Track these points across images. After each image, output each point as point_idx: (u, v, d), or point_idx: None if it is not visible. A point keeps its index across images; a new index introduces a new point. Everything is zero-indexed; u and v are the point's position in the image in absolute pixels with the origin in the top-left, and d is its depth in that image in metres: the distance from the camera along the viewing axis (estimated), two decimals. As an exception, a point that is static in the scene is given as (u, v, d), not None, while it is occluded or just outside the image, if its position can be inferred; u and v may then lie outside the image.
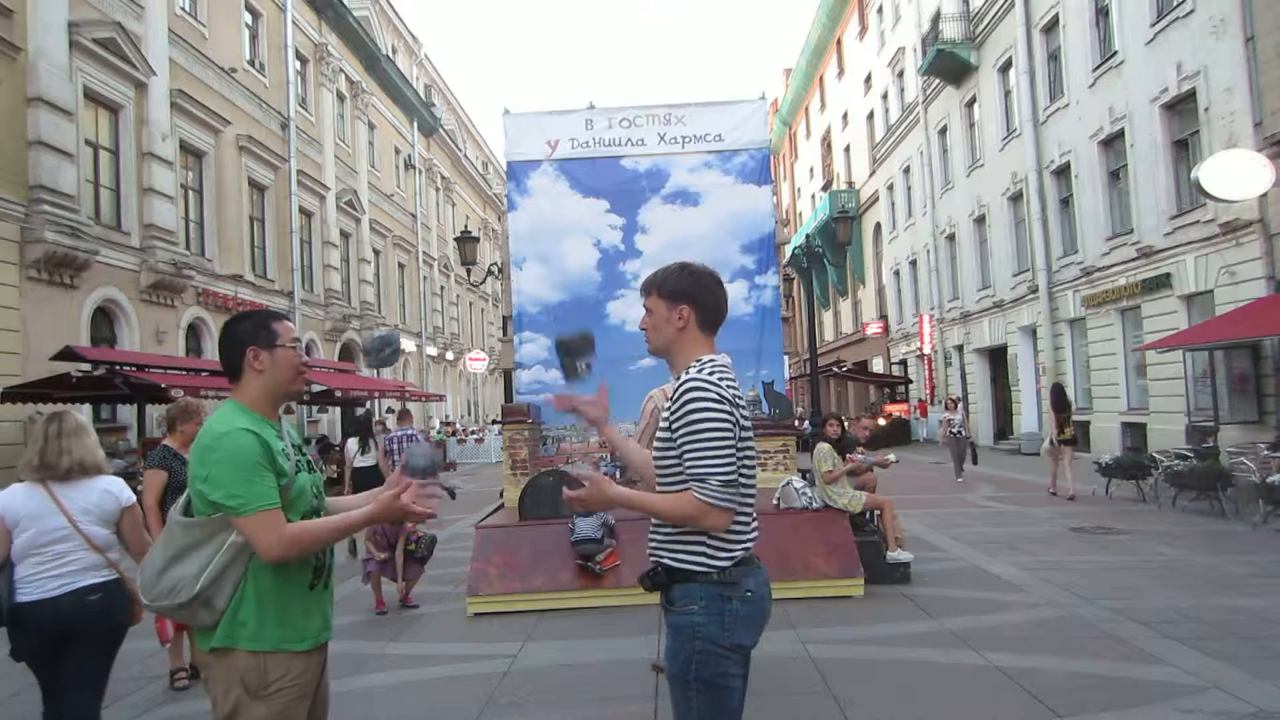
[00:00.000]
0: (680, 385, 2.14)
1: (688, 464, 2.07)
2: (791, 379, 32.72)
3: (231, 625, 2.09)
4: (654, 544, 2.19)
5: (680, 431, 2.09)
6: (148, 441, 13.13)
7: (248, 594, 2.11)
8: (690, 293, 2.24)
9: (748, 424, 2.18)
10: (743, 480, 2.11)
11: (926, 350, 26.02)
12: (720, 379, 2.13)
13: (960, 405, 16.05)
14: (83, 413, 14.29)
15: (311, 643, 2.21)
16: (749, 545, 2.17)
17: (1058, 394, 12.30)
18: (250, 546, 2.07)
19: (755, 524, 2.20)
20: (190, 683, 4.83)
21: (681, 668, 2.10)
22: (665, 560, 2.16)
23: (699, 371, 2.16)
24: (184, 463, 4.85)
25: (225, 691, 2.10)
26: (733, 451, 2.08)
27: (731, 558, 2.11)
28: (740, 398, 2.18)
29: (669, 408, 2.15)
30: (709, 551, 2.10)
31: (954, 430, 14.69)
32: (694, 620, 2.09)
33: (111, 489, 3.25)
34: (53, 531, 3.08)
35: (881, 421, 24.59)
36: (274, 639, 2.12)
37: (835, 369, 30.79)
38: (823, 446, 7.14)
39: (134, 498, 3.40)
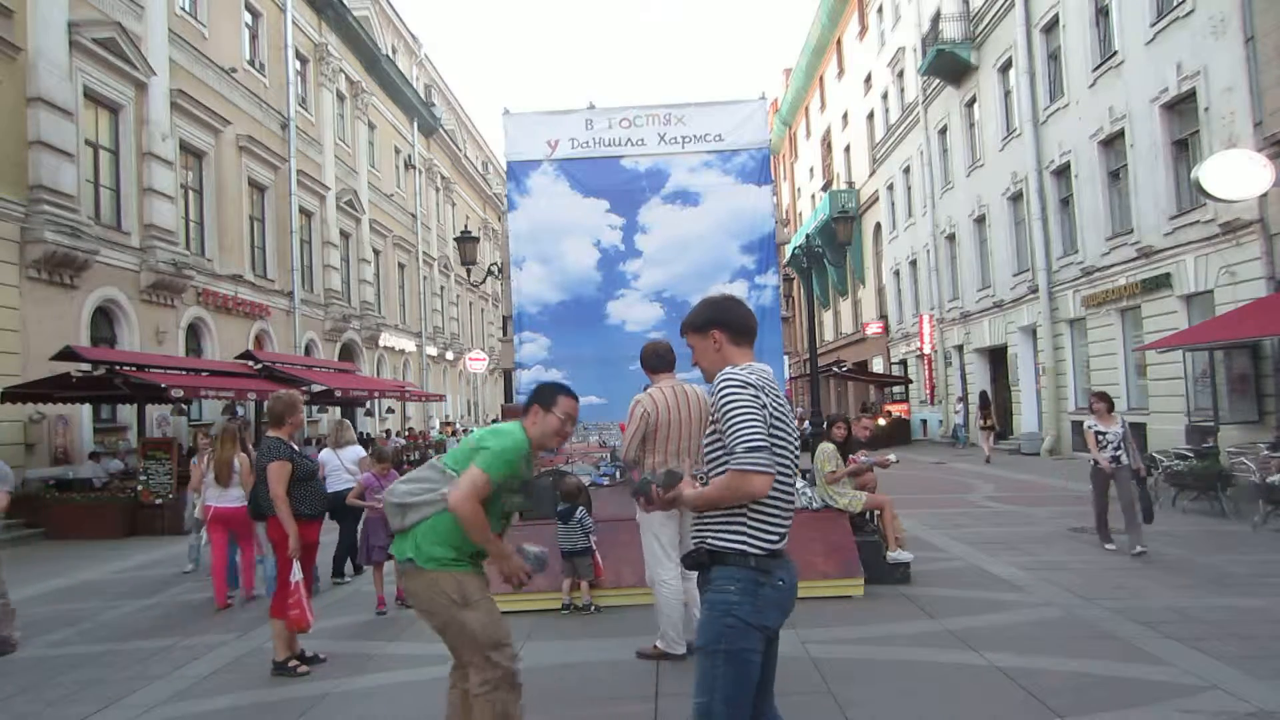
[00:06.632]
0: (716, 382, 2.43)
1: (727, 446, 2.32)
2: (791, 379, 32.73)
3: (417, 548, 2.98)
4: (698, 527, 2.47)
5: (720, 421, 2.35)
6: (148, 442, 13.10)
7: (438, 527, 2.98)
8: (715, 318, 2.59)
9: (781, 418, 2.41)
10: (776, 453, 2.34)
11: (926, 350, 26.01)
12: (753, 374, 2.41)
13: (1114, 412, 8.31)
14: (82, 413, 14.34)
15: (479, 570, 3.11)
16: (784, 532, 2.43)
17: (983, 398, 19.96)
18: (442, 501, 2.95)
19: (790, 518, 2.45)
20: (308, 668, 5.02)
21: (711, 640, 2.36)
22: (709, 542, 2.42)
23: (733, 370, 2.44)
24: (295, 452, 5.13)
25: (432, 603, 2.99)
26: (758, 422, 2.31)
27: (770, 542, 2.38)
28: (776, 391, 2.45)
29: (714, 405, 2.41)
30: (749, 534, 2.37)
31: (1114, 452, 7.78)
32: (729, 598, 2.35)
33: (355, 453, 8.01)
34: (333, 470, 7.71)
35: (881, 421, 24.57)
36: (451, 563, 2.98)
37: (835, 369, 30.76)
38: (826, 447, 7.13)
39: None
